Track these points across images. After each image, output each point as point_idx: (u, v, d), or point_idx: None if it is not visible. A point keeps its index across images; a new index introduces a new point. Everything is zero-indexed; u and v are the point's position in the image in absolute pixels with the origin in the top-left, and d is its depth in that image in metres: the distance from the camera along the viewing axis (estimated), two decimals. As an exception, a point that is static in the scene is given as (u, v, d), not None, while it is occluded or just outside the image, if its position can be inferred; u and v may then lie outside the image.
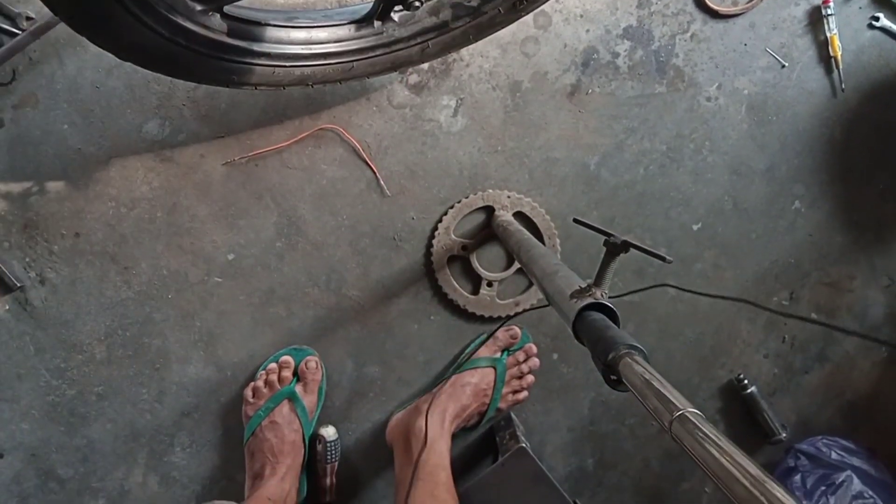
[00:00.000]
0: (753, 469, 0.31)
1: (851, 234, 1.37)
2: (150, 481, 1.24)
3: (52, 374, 1.18)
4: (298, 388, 1.21)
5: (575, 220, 0.95)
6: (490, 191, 1.22)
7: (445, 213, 1.22)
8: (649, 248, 0.71)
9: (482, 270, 1.25)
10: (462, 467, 1.33)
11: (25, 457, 1.20)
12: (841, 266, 1.39)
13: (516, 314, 1.28)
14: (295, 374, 1.22)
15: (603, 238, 0.76)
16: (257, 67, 0.87)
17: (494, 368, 1.24)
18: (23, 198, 1.13)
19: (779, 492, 0.29)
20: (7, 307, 1.16)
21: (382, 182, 1.20)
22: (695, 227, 1.31)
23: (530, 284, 1.27)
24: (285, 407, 1.19)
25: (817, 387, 1.43)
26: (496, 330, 1.25)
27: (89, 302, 1.17)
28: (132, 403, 1.22)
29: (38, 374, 1.18)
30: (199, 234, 1.18)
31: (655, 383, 0.45)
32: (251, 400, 1.20)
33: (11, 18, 1.08)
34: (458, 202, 1.22)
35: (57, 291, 1.16)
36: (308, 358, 1.21)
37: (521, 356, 1.26)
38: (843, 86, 1.28)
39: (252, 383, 1.22)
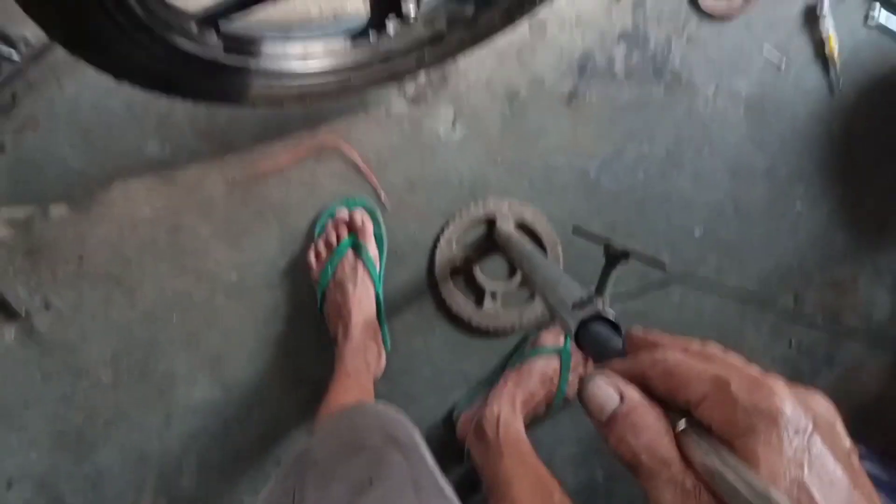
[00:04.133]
0: (756, 482, 0.31)
1: (854, 234, 1.37)
2: (159, 505, 1.24)
3: (59, 402, 1.18)
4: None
5: (574, 228, 0.95)
6: (491, 200, 1.22)
7: (447, 225, 1.22)
8: (648, 256, 0.71)
9: (485, 281, 1.24)
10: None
11: (34, 486, 1.19)
12: (845, 266, 1.38)
13: (521, 326, 1.27)
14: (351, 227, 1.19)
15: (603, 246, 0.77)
16: (254, 84, 0.87)
17: (559, 356, 1.24)
18: (26, 223, 1.13)
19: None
20: (13, 335, 1.16)
21: (383, 195, 1.20)
22: (697, 232, 1.31)
23: (533, 295, 1.27)
24: (348, 260, 1.17)
25: (826, 391, 1.39)
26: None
27: (95, 326, 1.17)
28: (139, 428, 1.21)
29: (46, 402, 1.17)
30: (202, 253, 1.18)
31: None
32: (314, 264, 1.18)
33: (10, 43, 1.09)
34: (460, 213, 1.22)
35: (62, 316, 1.16)
36: (353, 211, 1.18)
37: None
38: (841, 84, 1.28)
39: (312, 245, 1.19)
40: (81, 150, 1.12)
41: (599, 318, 0.65)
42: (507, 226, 1.21)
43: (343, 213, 1.18)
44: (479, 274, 1.24)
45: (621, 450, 0.36)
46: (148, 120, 1.13)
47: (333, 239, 1.17)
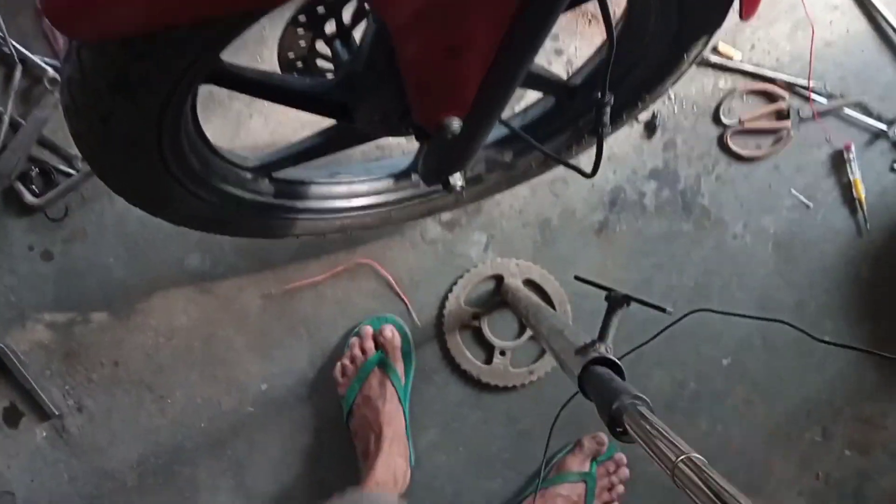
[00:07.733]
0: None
1: (884, 372, 1.36)
2: None
3: (83, 502, 1.19)
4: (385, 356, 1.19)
5: (576, 278, 0.98)
6: (499, 259, 1.25)
7: (455, 283, 1.24)
8: (649, 301, 0.74)
9: (494, 339, 1.25)
10: None
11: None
12: (874, 403, 1.37)
13: (530, 382, 1.27)
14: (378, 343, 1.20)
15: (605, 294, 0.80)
16: (300, 221, 0.91)
17: (585, 483, 1.22)
18: (67, 327, 1.17)
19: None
20: (45, 434, 1.18)
21: (414, 314, 1.23)
22: (724, 363, 1.31)
23: (543, 352, 1.27)
24: (375, 377, 1.17)
25: (856, 526, 1.39)
26: (581, 438, 1.25)
27: (124, 430, 1.20)
28: (159, 532, 1.22)
29: (71, 501, 1.19)
30: (233, 364, 1.21)
31: (659, 428, 0.46)
32: (340, 379, 1.19)
33: (68, 160, 1.15)
34: (468, 271, 1.24)
35: (93, 419, 1.19)
36: (383, 326, 1.19)
37: (611, 467, 1.25)
38: (868, 226, 1.29)
39: (339, 361, 1.19)
40: (125, 261, 1.17)
41: (602, 360, 0.67)
42: (514, 281, 1.23)
43: (368, 331, 1.19)
44: (487, 331, 1.25)
45: None
46: (191, 234, 1.17)
47: (358, 354, 1.19)
